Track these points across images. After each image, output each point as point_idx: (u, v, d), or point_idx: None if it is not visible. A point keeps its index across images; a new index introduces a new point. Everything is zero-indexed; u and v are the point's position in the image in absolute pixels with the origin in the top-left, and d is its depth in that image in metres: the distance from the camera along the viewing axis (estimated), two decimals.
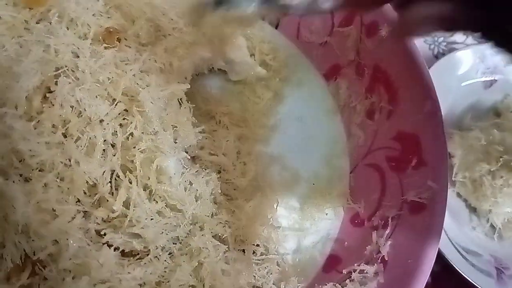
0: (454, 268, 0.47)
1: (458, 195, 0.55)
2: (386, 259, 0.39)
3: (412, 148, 0.42)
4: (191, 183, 0.38)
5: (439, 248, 0.38)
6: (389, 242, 0.40)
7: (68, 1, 0.39)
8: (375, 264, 0.39)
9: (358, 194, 0.46)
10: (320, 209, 0.46)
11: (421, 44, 0.63)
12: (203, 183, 0.39)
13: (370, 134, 0.47)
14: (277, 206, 0.43)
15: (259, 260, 0.40)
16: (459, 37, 0.66)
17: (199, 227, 0.38)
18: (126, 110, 0.37)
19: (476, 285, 0.47)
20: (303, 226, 0.44)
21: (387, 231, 0.40)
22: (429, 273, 0.36)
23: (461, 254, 0.50)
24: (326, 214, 0.46)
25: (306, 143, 0.49)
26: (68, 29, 0.39)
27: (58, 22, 0.39)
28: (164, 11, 0.42)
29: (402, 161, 0.43)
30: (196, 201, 0.38)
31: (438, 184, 0.39)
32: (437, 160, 0.40)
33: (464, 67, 0.60)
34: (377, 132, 0.46)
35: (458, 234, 0.52)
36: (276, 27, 0.53)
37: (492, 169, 0.52)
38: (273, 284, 0.40)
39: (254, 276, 0.39)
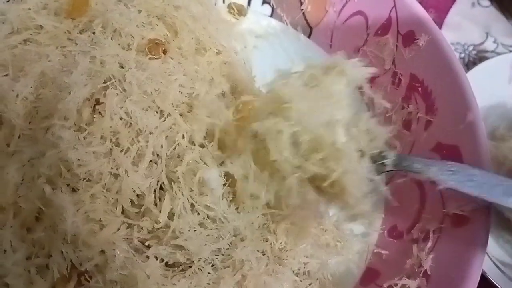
0: (492, 281, 0.46)
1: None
2: (429, 274, 0.38)
3: (452, 159, 0.42)
4: (233, 195, 0.38)
5: None
6: (431, 256, 0.39)
7: (111, 11, 0.40)
8: (417, 279, 0.38)
9: (394, 206, 0.46)
10: (357, 221, 0.46)
11: None
12: None
13: (407, 145, 0.47)
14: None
15: (299, 272, 0.40)
16: (489, 44, 0.66)
17: (241, 239, 0.38)
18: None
19: None
20: (340, 239, 0.44)
21: (429, 245, 0.40)
22: None
23: (498, 268, 0.49)
24: (363, 226, 0.46)
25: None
26: (111, 39, 0.39)
27: (102, 33, 0.39)
28: (205, 25, 0.42)
29: None
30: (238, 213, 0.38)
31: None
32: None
33: (496, 76, 0.59)
34: (415, 143, 0.46)
35: (494, 246, 0.51)
36: (309, 36, 0.53)
37: None
38: None
39: None
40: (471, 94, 0.41)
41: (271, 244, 0.40)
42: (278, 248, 0.40)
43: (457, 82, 0.42)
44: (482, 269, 0.46)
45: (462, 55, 0.65)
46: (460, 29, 0.68)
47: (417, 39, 0.45)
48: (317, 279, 0.41)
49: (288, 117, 0.35)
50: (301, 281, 0.39)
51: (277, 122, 0.35)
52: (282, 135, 0.35)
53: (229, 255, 0.37)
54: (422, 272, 0.38)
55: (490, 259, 0.50)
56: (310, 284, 0.40)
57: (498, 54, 0.62)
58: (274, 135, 0.35)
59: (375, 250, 0.44)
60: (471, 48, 0.66)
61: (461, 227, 0.38)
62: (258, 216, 0.40)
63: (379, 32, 0.48)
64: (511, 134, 0.56)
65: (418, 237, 0.42)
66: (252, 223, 0.39)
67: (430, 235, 0.40)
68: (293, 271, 0.40)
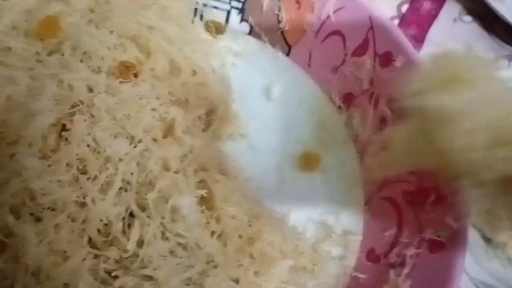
0: None
1: (473, 225, 0.54)
2: None
3: (429, 182, 0.41)
4: (208, 222, 0.38)
5: None
6: (408, 282, 0.39)
7: (82, 33, 0.39)
8: None
9: (374, 228, 0.45)
10: (334, 243, 0.45)
11: None
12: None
13: (385, 167, 0.46)
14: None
15: None
16: None
17: (213, 266, 0.37)
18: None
19: None
20: (316, 262, 0.43)
21: (406, 270, 0.39)
22: None
23: None
24: (341, 248, 0.45)
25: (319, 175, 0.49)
26: (81, 61, 0.38)
27: (71, 55, 0.38)
28: (181, 47, 0.42)
29: (419, 196, 0.42)
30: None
31: (458, 222, 0.38)
32: (456, 196, 0.39)
33: None
34: None
35: (473, 266, 0.51)
36: (288, 54, 0.53)
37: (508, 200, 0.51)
38: None
39: None
40: None
41: (245, 269, 0.39)
42: (254, 272, 0.39)
43: None
44: None
45: None
46: (442, 46, 0.68)
47: (394, 60, 0.45)
48: None
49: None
50: None
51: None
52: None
53: (200, 284, 0.36)
54: None
55: (472, 281, 0.49)
56: None
57: None
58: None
59: (353, 274, 0.44)
60: None
61: (437, 253, 0.38)
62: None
63: (356, 52, 0.48)
64: None
65: (395, 262, 0.41)
66: (226, 246, 0.39)
67: (407, 261, 0.40)
68: None
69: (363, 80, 0.48)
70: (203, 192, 0.37)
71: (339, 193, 0.48)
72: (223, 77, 0.50)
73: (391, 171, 0.45)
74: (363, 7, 0.46)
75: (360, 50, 0.47)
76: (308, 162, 0.50)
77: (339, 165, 0.49)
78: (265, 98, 0.53)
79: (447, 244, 0.38)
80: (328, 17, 0.48)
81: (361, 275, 0.43)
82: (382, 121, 0.47)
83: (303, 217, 0.47)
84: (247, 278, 0.39)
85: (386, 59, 0.46)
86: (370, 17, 0.46)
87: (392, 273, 0.40)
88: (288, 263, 0.41)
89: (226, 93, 0.49)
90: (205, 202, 0.39)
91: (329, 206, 0.48)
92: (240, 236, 0.40)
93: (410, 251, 0.40)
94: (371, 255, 0.44)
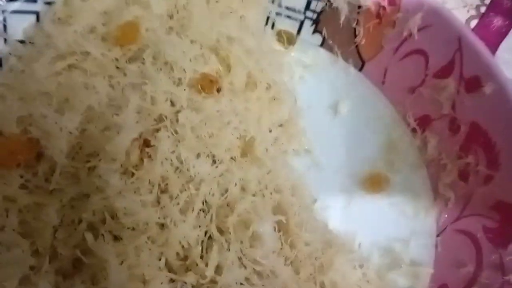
0: None
1: None
2: None
3: None
4: (281, 248, 0.36)
5: None
6: None
7: (163, 42, 0.37)
8: None
9: (447, 262, 0.43)
10: (401, 273, 0.43)
11: None
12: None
13: (462, 197, 0.44)
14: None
15: None
16: None
17: None
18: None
19: None
20: None
21: None
22: None
23: None
24: (408, 280, 0.43)
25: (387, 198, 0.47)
26: (162, 72, 0.37)
27: (152, 64, 0.37)
28: (258, 60, 0.40)
29: (503, 235, 0.39)
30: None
31: None
32: None
33: None
34: (472, 197, 0.43)
35: None
36: (360, 70, 0.50)
37: None
38: None
39: None
40: None
41: None
42: None
43: None
44: None
45: None
46: (510, 65, 0.65)
47: (483, 86, 0.42)
48: None
49: None
50: None
51: None
52: None
53: None
54: None
55: None
56: None
57: None
58: None
59: None
60: None
61: None
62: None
63: (439, 74, 0.45)
64: None
65: None
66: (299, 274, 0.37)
67: None
68: None
69: (444, 104, 0.45)
70: (282, 218, 0.36)
71: (408, 219, 0.46)
72: (291, 89, 0.48)
73: (470, 204, 0.43)
74: (453, 26, 0.43)
75: (444, 71, 0.45)
76: (375, 183, 0.48)
77: (409, 189, 0.47)
78: (332, 113, 0.50)
79: None
80: (411, 34, 0.45)
81: None
82: (462, 149, 0.44)
83: (368, 242, 0.44)
84: None
85: (473, 84, 0.43)
86: (459, 38, 0.43)
87: None
88: None
89: (294, 108, 0.47)
90: (282, 227, 0.37)
91: (397, 232, 0.45)
92: (312, 264, 0.38)
93: None
94: None
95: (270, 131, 0.43)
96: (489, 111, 0.42)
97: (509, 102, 0.40)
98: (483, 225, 0.41)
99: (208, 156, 0.35)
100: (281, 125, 0.46)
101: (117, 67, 0.38)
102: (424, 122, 0.47)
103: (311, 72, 0.51)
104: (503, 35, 0.67)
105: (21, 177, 0.34)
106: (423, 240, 0.45)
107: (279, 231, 0.37)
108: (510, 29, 0.66)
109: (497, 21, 0.65)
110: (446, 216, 0.44)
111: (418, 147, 0.48)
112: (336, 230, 0.43)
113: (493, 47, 0.66)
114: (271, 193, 0.38)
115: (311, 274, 0.38)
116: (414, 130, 0.48)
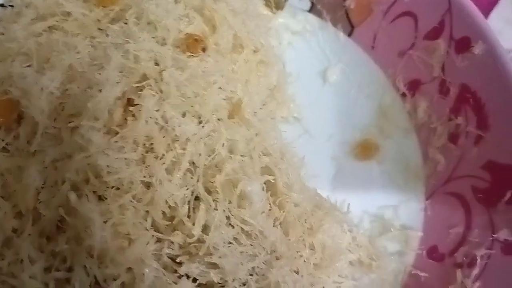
0: None
1: None
2: None
3: (506, 181, 0.39)
4: (270, 209, 0.35)
5: None
6: (477, 284, 0.36)
7: (147, 1, 0.36)
8: None
9: (437, 225, 0.43)
10: (391, 238, 0.43)
11: None
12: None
13: (452, 160, 0.43)
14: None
15: None
16: None
17: (276, 257, 0.35)
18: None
19: None
20: (374, 256, 0.41)
21: (475, 271, 0.37)
22: None
23: None
24: (398, 244, 0.43)
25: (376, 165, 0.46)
26: (145, 32, 0.36)
27: (135, 24, 0.36)
28: (245, 20, 0.39)
29: (493, 194, 0.39)
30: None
31: None
32: None
33: None
34: (462, 159, 0.43)
35: None
36: (350, 35, 0.50)
37: None
38: None
39: None
40: None
41: (305, 260, 0.37)
42: (313, 264, 0.37)
43: None
44: None
45: None
46: (502, 34, 0.64)
47: (472, 46, 0.41)
48: None
49: None
50: None
51: None
52: None
53: (263, 275, 0.34)
54: None
55: None
56: None
57: None
58: None
59: (412, 272, 0.41)
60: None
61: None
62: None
63: (429, 35, 0.45)
64: None
65: (462, 262, 0.39)
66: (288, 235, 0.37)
67: (477, 261, 0.38)
68: None
69: (434, 66, 0.45)
70: (270, 177, 0.35)
71: (398, 185, 0.46)
72: (280, 56, 0.47)
73: (460, 166, 0.43)
74: None
75: (434, 33, 0.44)
76: (366, 150, 0.47)
77: (399, 155, 0.47)
78: (322, 80, 0.50)
79: None
80: None
81: (421, 273, 0.40)
82: (452, 112, 0.44)
83: (358, 209, 0.44)
84: (307, 270, 0.37)
85: (463, 45, 0.42)
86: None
87: (459, 273, 0.38)
88: (350, 257, 0.39)
89: (283, 73, 0.47)
90: (270, 188, 0.36)
91: (387, 198, 0.45)
92: (301, 225, 0.38)
93: (481, 252, 0.37)
94: (433, 253, 0.41)
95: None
96: (479, 72, 0.42)
97: (499, 62, 0.40)
98: (472, 186, 0.41)
99: (194, 116, 0.34)
100: (269, 91, 0.45)
101: (100, 29, 0.37)
102: (414, 87, 0.47)
103: (299, 38, 0.50)
104: (493, 3, 0.66)
105: (2, 140, 0.33)
106: (413, 205, 0.45)
107: (267, 192, 0.36)
108: None
109: None
110: (435, 180, 0.44)
111: (408, 112, 0.47)
112: (326, 197, 0.43)
113: (484, 13, 0.65)
114: (259, 156, 0.37)
115: (300, 236, 0.38)
116: (404, 95, 0.48)
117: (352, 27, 0.49)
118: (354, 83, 0.49)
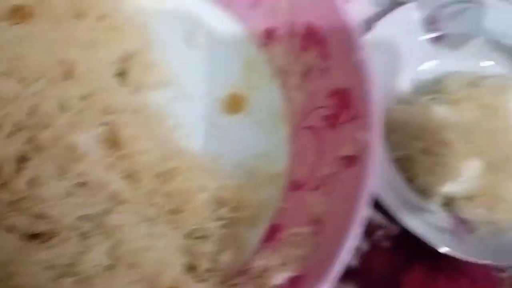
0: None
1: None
2: (321, 219, 0.37)
3: (345, 102, 0.40)
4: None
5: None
6: (324, 198, 0.38)
7: None
8: (310, 226, 0.37)
9: (298, 159, 0.44)
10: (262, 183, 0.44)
11: None
12: None
13: (307, 96, 0.45)
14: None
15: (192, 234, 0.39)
16: None
17: (119, 202, 0.36)
18: None
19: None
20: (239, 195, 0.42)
21: (322, 189, 0.39)
22: (362, 226, 0.34)
23: None
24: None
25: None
26: None
27: None
28: None
29: (337, 117, 0.41)
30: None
31: (369, 134, 0.37)
32: (366, 110, 0.38)
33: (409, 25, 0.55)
34: (313, 92, 0.44)
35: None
36: None
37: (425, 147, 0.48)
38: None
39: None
40: (355, 35, 0.40)
41: (160, 207, 0.38)
42: (170, 209, 0.38)
43: (344, 26, 0.41)
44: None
45: None
46: None
47: None
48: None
49: None
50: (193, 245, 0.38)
51: None
52: None
53: (100, 221, 0.34)
54: (315, 218, 0.37)
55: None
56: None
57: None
58: None
59: (279, 206, 0.43)
60: None
61: (351, 168, 0.37)
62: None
63: None
64: (417, 98, 0.52)
65: (316, 186, 0.40)
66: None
67: (325, 181, 0.39)
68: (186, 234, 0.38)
69: (282, 10, 0.46)
70: (102, 129, 0.36)
71: (266, 133, 0.47)
72: (140, 22, 0.48)
73: (312, 100, 0.44)
74: None
75: None
76: (235, 104, 0.49)
77: (266, 103, 0.48)
78: (188, 43, 0.51)
79: (359, 156, 0.37)
80: None
81: (284, 205, 0.42)
82: (303, 49, 0.45)
83: (232, 162, 0.45)
84: (163, 217, 0.38)
85: None
86: None
87: (309, 195, 0.39)
88: (206, 195, 0.40)
89: (144, 39, 0.48)
90: (108, 141, 0.37)
91: (257, 148, 0.46)
92: (155, 176, 0.39)
93: (327, 171, 0.39)
94: (294, 185, 0.43)
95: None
96: (319, 9, 0.43)
97: None
98: (322, 115, 0.43)
99: (19, 77, 0.35)
100: (127, 58, 0.46)
101: None
102: (269, 34, 0.48)
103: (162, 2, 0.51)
104: None
105: None
106: (281, 148, 0.46)
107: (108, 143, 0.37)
108: None
109: None
110: (296, 118, 0.46)
111: (269, 60, 0.49)
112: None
113: None
114: (101, 113, 0.38)
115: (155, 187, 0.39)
116: (263, 44, 0.49)
117: None
118: (219, 41, 0.50)
